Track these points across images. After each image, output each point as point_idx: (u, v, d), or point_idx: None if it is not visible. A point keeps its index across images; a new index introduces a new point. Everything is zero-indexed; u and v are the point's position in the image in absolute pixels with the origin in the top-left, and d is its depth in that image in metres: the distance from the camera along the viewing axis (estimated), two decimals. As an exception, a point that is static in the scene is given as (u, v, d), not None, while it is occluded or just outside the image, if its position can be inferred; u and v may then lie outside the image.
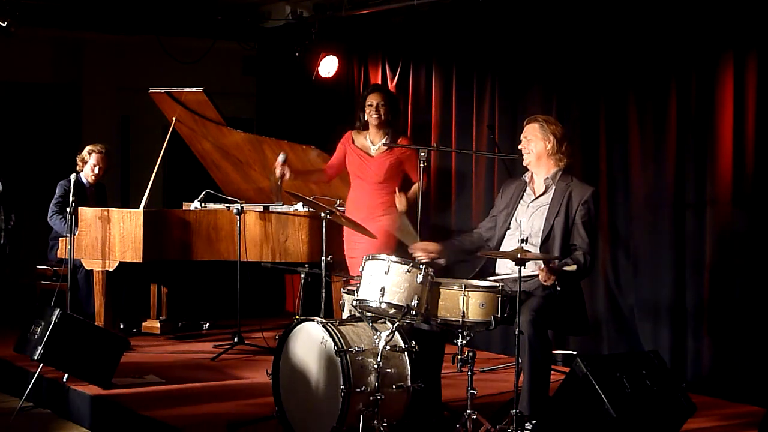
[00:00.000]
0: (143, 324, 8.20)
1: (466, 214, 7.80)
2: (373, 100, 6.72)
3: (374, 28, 8.68)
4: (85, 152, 7.92)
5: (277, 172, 6.79)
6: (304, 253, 7.38)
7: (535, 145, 5.35)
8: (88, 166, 7.89)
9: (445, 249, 5.42)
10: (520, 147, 5.43)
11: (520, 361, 4.93)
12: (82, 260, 7.33)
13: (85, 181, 7.89)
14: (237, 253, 7.28)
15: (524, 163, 5.44)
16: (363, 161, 6.79)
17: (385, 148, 6.73)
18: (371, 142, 6.80)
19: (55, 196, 7.82)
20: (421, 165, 6.42)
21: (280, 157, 6.79)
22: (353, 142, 6.84)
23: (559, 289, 5.06)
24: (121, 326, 7.95)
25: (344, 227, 6.82)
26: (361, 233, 6.27)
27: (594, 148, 6.98)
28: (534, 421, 4.88)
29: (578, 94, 7.11)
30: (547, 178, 5.36)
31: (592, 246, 5.25)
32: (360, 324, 5.07)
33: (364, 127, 6.83)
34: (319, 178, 7.13)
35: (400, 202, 6.69)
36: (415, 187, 6.78)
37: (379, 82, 8.64)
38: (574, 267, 5.06)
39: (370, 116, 6.73)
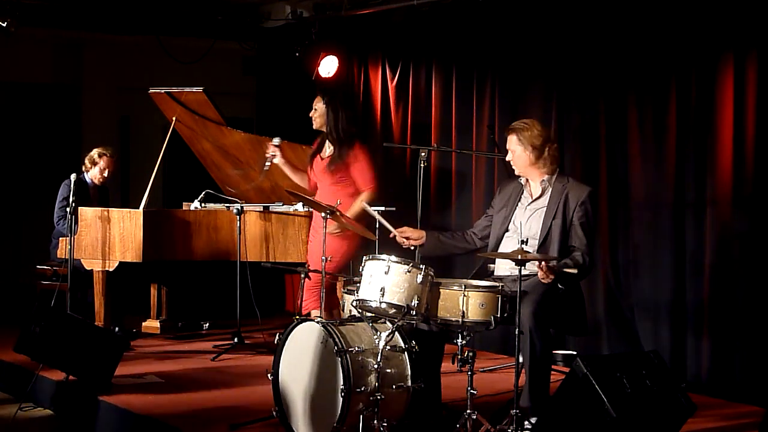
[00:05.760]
0: (143, 324, 8.21)
1: (466, 214, 7.80)
2: (314, 103, 6.85)
3: (374, 28, 8.68)
4: (95, 154, 7.92)
5: (269, 151, 7.03)
6: (304, 253, 7.38)
7: (519, 156, 5.38)
8: (98, 168, 7.91)
9: (427, 239, 5.49)
10: (507, 158, 5.46)
11: (521, 358, 4.93)
12: (82, 260, 7.33)
13: (89, 181, 7.90)
14: (237, 253, 7.28)
15: (516, 173, 5.47)
16: (316, 163, 6.82)
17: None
18: (328, 144, 6.85)
19: (60, 198, 7.79)
20: (421, 165, 6.43)
21: (276, 140, 7.03)
22: (317, 146, 6.90)
23: (561, 288, 5.08)
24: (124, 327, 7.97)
25: (313, 220, 7.02)
26: (360, 234, 6.28)
27: (594, 149, 6.98)
28: (535, 419, 4.89)
29: (578, 94, 7.11)
30: (543, 180, 5.37)
31: (590, 247, 5.25)
32: (360, 324, 5.07)
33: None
34: (301, 179, 7.09)
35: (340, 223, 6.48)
36: (358, 201, 6.62)
37: (379, 82, 8.66)
38: (575, 271, 5.07)
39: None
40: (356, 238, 6.61)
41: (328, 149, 6.83)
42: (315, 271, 6.25)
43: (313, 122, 6.85)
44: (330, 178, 6.75)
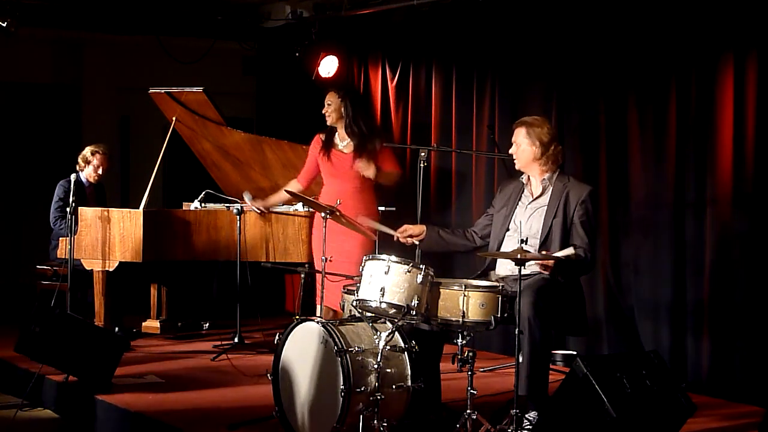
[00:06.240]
0: (143, 324, 8.20)
1: (466, 214, 7.80)
2: (327, 99, 6.80)
3: (374, 28, 8.68)
4: (88, 152, 7.92)
5: (255, 210, 7.17)
6: (304, 253, 7.38)
7: (523, 150, 5.37)
8: (92, 166, 7.91)
9: (428, 233, 5.49)
10: (511, 151, 5.45)
11: (521, 358, 4.93)
12: (82, 260, 7.32)
13: (85, 181, 7.90)
14: (237, 253, 7.28)
15: (516, 168, 5.46)
16: (336, 158, 6.77)
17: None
18: (340, 139, 6.80)
19: (56, 199, 7.80)
20: (421, 165, 6.43)
21: (247, 199, 7.12)
22: (324, 142, 6.84)
23: (561, 280, 5.08)
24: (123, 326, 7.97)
25: (314, 221, 6.97)
26: (359, 234, 6.28)
27: (594, 149, 6.98)
28: (533, 415, 4.88)
29: (578, 94, 7.11)
30: (544, 179, 5.37)
31: (591, 245, 5.25)
32: (360, 324, 5.07)
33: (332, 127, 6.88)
34: (294, 188, 7.05)
35: (368, 169, 6.67)
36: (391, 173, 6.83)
37: (379, 82, 8.65)
38: (571, 250, 5.06)
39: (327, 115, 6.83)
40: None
41: (341, 143, 6.78)
42: (317, 271, 6.25)
43: (327, 118, 6.77)
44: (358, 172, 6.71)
